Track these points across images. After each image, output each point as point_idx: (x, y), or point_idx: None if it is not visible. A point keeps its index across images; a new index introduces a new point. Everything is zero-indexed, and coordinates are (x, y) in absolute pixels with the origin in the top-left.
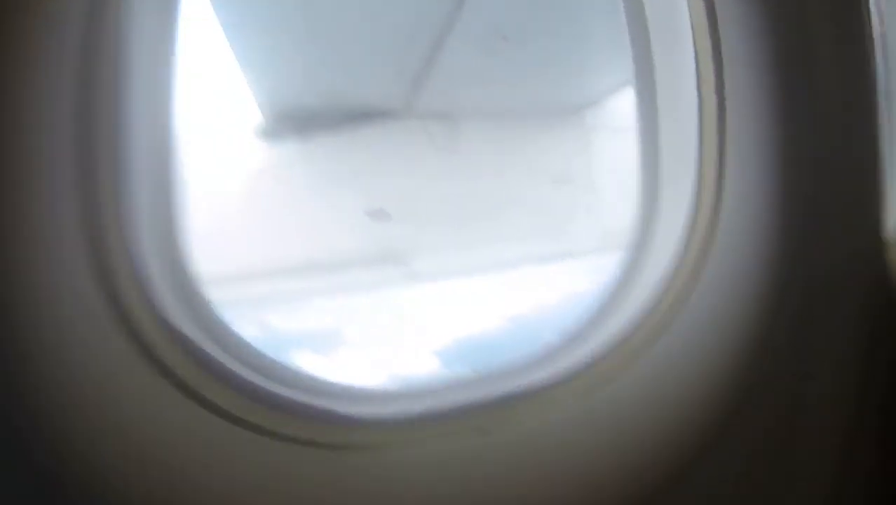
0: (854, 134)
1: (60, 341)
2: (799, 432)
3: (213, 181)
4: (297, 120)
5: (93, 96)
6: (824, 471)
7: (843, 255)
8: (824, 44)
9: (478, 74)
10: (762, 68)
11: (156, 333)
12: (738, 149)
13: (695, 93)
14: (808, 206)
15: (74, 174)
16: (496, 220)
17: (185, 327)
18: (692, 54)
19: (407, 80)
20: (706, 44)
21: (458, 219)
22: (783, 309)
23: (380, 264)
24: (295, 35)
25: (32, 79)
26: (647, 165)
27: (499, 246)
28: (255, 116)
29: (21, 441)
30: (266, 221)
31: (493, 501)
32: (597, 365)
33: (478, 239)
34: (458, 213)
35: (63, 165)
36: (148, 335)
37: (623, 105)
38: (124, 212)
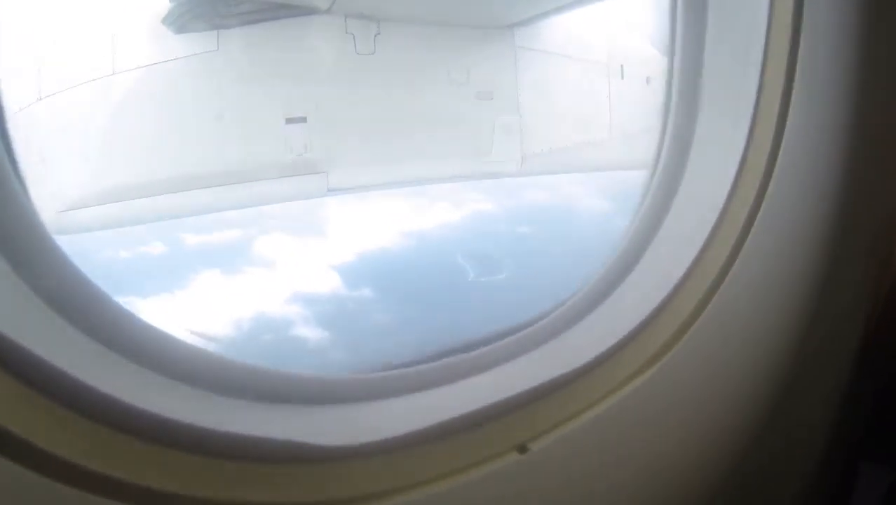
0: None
1: None
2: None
3: (120, 78)
4: (208, 8)
5: None
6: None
7: (879, 220)
8: None
9: None
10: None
11: None
12: (808, 81)
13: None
14: (863, 163)
15: None
16: (415, 133)
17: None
18: None
19: None
20: None
21: (376, 129)
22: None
23: (296, 175)
24: None
25: None
26: (685, 90)
27: (416, 162)
28: (163, 4)
29: None
30: (179, 124)
31: None
32: (641, 339)
33: (396, 152)
34: (377, 123)
35: None
36: None
37: (554, 29)
38: None
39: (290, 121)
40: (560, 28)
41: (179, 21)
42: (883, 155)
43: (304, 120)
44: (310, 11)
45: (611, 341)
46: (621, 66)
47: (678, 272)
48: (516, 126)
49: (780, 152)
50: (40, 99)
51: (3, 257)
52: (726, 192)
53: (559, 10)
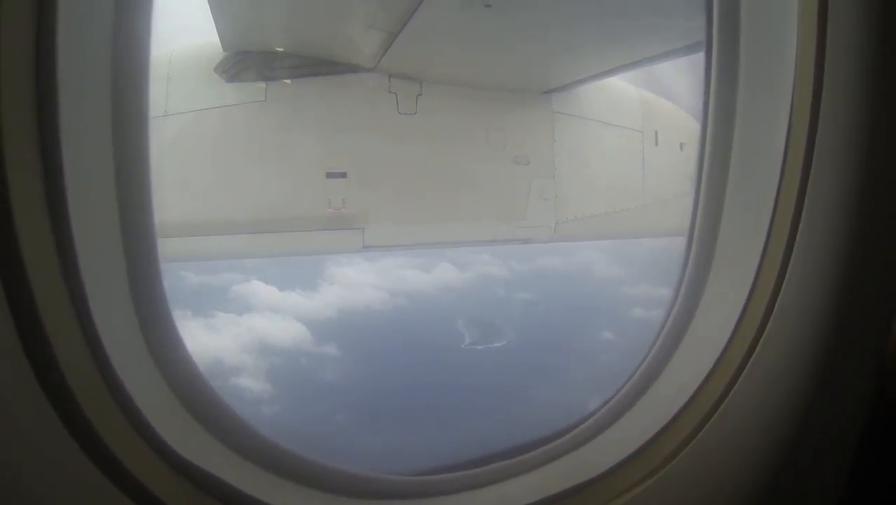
0: None
1: None
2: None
3: (171, 120)
4: (259, 60)
5: None
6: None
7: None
8: None
9: (451, 39)
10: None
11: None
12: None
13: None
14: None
15: None
16: (453, 195)
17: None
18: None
19: (378, 34)
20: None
21: (415, 189)
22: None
23: (333, 229)
24: None
25: None
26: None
27: (452, 224)
28: (216, 52)
29: None
30: (222, 169)
31: None
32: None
33: (433, 213)
34: (416, 183)
35: None
36: None
37: (591, 94)
38: None
39: (330, 175)
40: (597, 93)
41: (232, 70)
42: (876, 295)
43: (344, 175)
44: (356, 69)
45: (623, 454)
46: (656, 132)
47: (684, 396)
48: (551, 192)
49: (779, 299)
50: None
51: (186, 410)
52: (731, 328)
53: (597, 76)
